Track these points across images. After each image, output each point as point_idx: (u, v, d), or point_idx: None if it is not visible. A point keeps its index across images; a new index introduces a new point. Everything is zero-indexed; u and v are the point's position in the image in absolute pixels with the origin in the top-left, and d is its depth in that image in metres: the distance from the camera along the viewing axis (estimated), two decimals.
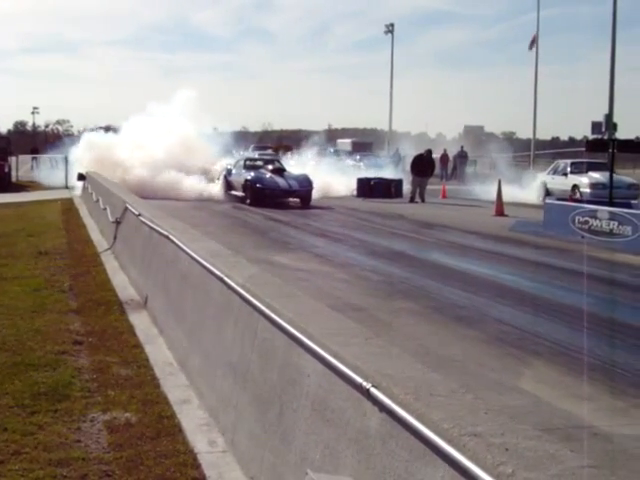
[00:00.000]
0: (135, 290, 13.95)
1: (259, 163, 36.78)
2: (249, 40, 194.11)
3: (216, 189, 36.75)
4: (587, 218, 22.75)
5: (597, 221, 22.35)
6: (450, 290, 14.59)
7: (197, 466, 6.50)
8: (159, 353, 10.05)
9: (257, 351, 6.65)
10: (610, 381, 9.26)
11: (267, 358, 6.36)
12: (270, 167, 34.92)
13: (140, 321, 11.78)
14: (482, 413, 3.91)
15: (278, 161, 38.22)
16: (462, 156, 59.68)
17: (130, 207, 16.86)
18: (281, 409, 5.84)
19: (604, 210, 22.50)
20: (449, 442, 3.60)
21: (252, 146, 64.45)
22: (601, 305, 14.17)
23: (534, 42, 65.89)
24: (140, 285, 13.74)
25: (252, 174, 33.73)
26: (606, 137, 42.65)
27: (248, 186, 33.25)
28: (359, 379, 4.56)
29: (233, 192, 35.29)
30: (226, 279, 7.83)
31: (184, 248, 10.14)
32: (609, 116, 54.67)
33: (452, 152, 60.35)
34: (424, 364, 4.93)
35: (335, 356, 5.00)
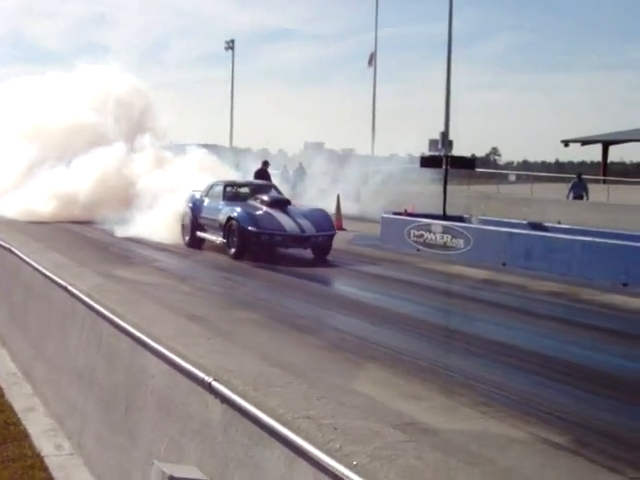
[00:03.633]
0: None
1: (245, 190, 24.25)
2: (87, 54, 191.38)
3: (169, 230, 23.80)
4: (422, 232, 23.53)
5: (431, 234, 23.16)
6: (290, 301, 14.93)
7: (45, 468, 6.70)
8: (2, 364, 10.14)
9: (103, 355, 6.90)
10: (442, 382, 9.76)
11: (113, 361, 6.62)
12: (265, 198, 22.50)
13: None
14: (315, 399, 4.29)
15: (275, 188, 25.18)
16: (301, 172, 60.47)
17: None
18: (127, 409, 6.10)
19: (437, 224, 23.31)
20: (284, 425, 3.96)
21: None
22: (435, 314, 14.78)
23: (372, 59, 67.57)
24: None
25: (238, 209, 21.55)
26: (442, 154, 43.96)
27: (234, 228, 21.28)
28: (201, 374, 4.88)
29: (204, 235, 22.75)
30: (70, 288, 8.03)
31: (26, 259, 10.26)
32: (445, 134, 56.35)
33: (292, 168, 61.07)
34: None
35: (179, 355, 5.30)
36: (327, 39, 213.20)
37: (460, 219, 25.00)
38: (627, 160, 78.81)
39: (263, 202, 21.93)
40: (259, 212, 21.38)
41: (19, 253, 10.75)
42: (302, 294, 15.71)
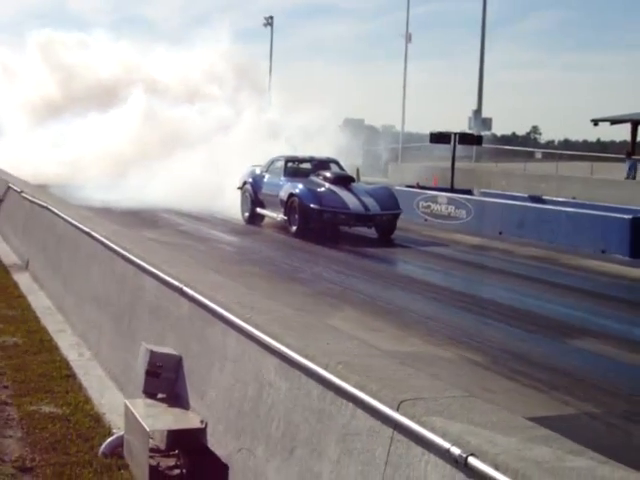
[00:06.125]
0: (17, 257, 15.88)
1: (307, 166, 23.42)
2: (127, 26, 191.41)
3: (231, 206, 24.39)
4: (429, 203, 25.40)
5: (437, 205, 25.01)
6: (293, 260, 16.88)
7: (69, 368, 8.66)
8: (40, 301, 12.07)
9: (115, 282, 8.83)
10: (402, 321, 11.69)
11: (122, 285, 8.54)
12: (328, 174, 22.00)
13: (23, 280, 13.74)
14: (249, 296, 6.17)
15: (338, 164, 23.91)
16: None
17: (12, 186, 18.74)
18: (130, 319, 8.03)
19: (443, 196, 25.17)
20: (223, 307, 5.84)
21: None
22: (419, 272, 16.65)
23: (409, 37, 69.08)
24: (22, 252, 15.68)
25: (300, 186, 21.04)
26: (475, 132, 45.96)
27: (295, 205, 20.71)
28: (177, 283, 6.77)
29: (264, 212, 22.93)
30: (93, 233, 9.97)
31: (60, 214, 12.22)
32: (477, 111, 58.46)
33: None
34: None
35: (165, 273, 7.21)
36: (366, 14, 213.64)
37: (468, 192, 26.83)
38: None
39: (326, 179, 21.58)
40: (322, 189, 21.04)
41: (54, 210, 12.67)
42: (305, 254, 17.58)
